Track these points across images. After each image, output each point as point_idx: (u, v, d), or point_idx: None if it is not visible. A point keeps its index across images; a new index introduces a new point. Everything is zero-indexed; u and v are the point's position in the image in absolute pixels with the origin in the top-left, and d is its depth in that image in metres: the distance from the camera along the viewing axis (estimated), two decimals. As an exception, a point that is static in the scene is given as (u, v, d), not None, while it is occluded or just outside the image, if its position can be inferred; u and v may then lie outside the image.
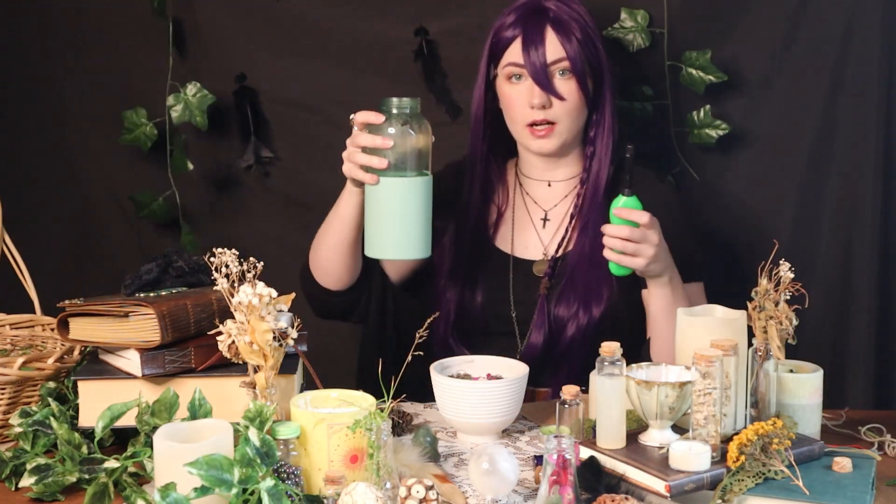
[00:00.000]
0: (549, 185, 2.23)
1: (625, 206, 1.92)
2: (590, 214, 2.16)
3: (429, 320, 1.66)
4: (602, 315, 2.12)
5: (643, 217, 1.92)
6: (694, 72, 2.35)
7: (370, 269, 2.16)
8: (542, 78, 2.09)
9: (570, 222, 2.19)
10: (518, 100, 2.14)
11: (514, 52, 2.12)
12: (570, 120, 2.14)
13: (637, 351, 2.06)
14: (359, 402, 1.58)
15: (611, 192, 2.13)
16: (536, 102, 2.11)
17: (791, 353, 1.76)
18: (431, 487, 1.46)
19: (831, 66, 2.35)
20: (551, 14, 2.11)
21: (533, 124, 2.13)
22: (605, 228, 1.94)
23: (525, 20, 2.12)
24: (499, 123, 2.20)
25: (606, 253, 1.94)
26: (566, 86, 2.12)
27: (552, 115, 2.12)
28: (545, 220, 2.23)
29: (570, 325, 2.13)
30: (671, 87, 2.38)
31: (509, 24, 2.13)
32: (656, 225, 1.95)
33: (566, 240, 2.19)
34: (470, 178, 2.21)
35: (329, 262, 2.10)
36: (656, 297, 2.04)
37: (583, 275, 2.14)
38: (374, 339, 2.20)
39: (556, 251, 2.18)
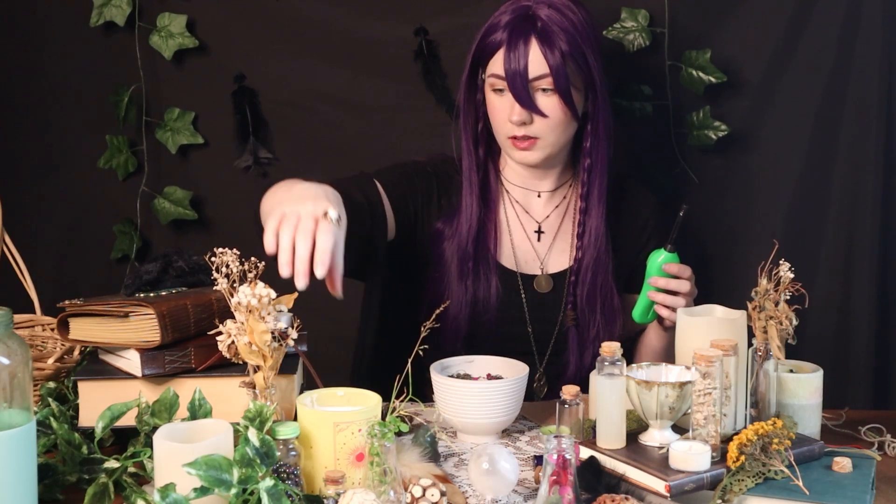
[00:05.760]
0: (539, 195, 2.20)
1: (670, 262, 2.01)
2: (593, 227, 2.14)
3: (437, 311, 1.64)
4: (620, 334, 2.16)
5: (687, 271, 2.02)
6: (693, 72, 2.35)
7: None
8: (523, 94, 2.03)
9: (577, 240, 2.15)
10: (500, 111, 2.08)
11: (497, 63, 2.05)
12: (554, 135, 2.08)
13: None
14: (364, 401, 1.58)
15: (609, 204, 2.15)
16: (515, 119, 2.05)
17: (791, 353, 1.76)
18: (444, 494, 1.46)
19: (831, 66, 2.35)
20: (539, 24, 2.02)
21: (515, 137, 2.08)
22: (658, 282, 2.01)
23: (512, 28, 2.03)
24: (490, 124, 2.14)
25: (660, 309, 2.03)
26: (548, 102, 2.05)
27: (534, 130, 2.07)
28: (539, 232, 2.19)
29: (589, 350, 2.15)
30: (671, 87, 2.38)
31: (497, 29, 2.05)
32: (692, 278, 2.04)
33: (580, 255, 2.15)
34: (468, 186, 2.14)
35: None
36: (660, 338, 2.14)
37: (599, 292, 2.15)
38: (370, 341, 2.20)
39: (574, 267, 2.16)
